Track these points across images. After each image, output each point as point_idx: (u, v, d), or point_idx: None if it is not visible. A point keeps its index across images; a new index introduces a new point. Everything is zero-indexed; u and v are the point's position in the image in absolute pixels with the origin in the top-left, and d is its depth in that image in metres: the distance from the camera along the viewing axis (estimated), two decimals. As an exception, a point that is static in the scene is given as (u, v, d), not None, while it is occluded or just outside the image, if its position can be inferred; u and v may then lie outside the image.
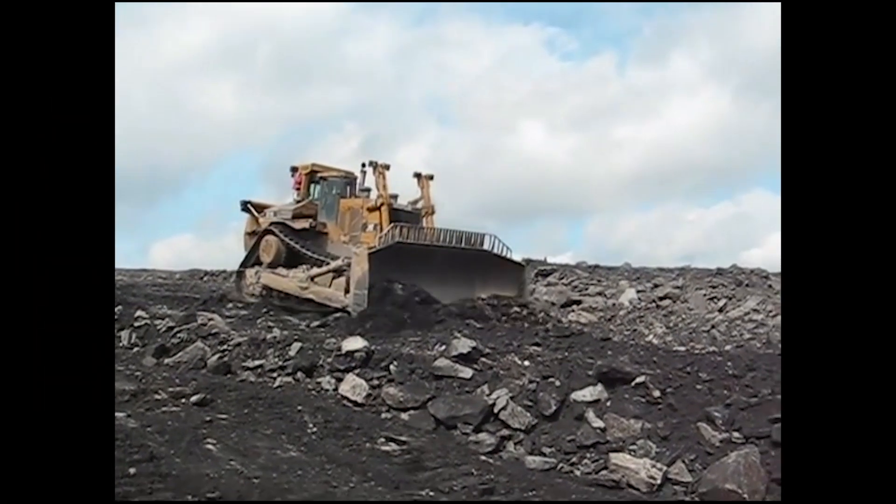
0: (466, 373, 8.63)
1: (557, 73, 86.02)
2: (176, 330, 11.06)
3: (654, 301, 16.99)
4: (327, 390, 8.67)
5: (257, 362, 9.55)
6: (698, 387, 8.22)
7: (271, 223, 16.17)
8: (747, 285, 17.44)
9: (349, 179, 16.38)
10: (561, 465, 7.13)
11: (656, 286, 18.08)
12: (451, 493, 5.72)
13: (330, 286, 13.69)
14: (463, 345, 9.17)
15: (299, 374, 9.06)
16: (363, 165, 15.64)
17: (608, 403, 7.92)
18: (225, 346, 10.16)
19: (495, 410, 7.81)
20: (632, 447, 7.17)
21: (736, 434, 7.15)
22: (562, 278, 19.40)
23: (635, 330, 15.04)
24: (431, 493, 5.65)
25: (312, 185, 16.71)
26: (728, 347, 12.95)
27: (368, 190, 15.57)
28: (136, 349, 10.84)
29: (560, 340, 10.75)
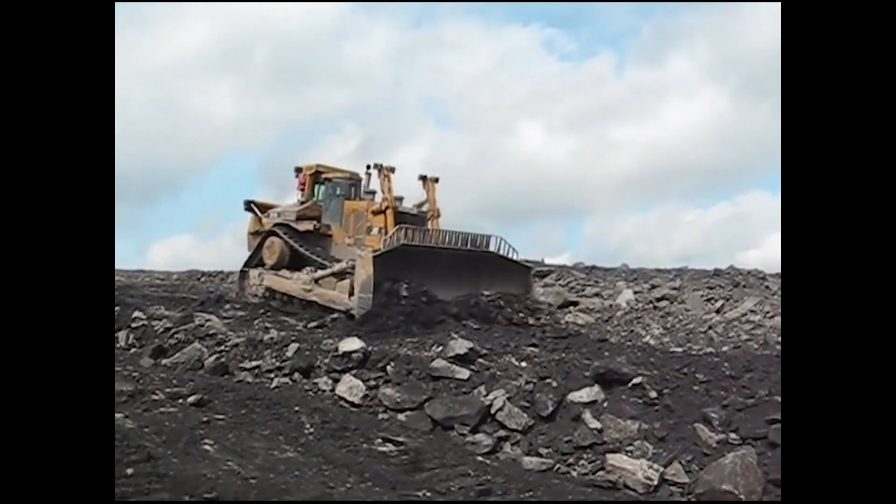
0: (463, 374, 8.65)
1: (556, 74, 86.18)
2: (173, 331, 11.05)
3: (651, 302, 16.99)
4: (324, 391, 8.68)
5: (255, 363, 9.55)
6: (695, 388, 8.24)
7: (275, 224, 15.98)
8: (744, 286, 17.44)
9: (354, 181, 16.12)
10: (558, 465, 7.14)
11: (654, 287, 18.08)
12: (448, 494, 5.73)
13: (334, 289, 13.56)
14: (460, 346, 9.19)
15: (296, 375, 9.07)
16: (368, 168, 15.42)
17: (605, 404, 7.93)
18: (222, 347, 10.16)
19: (492, 411, 7.83)
20: (629, 448, 7.18)
21: (733, 435, 7.16)
22: (559, 279, 19.39)
23: (632, 331, 15.03)
24: (428, 494, 5.65)
25: (317, 186, 16.47)
26: (725, 348, 12.95)
27: (373, 192, 15.33)
28: (133, 350, 10.84)
29: (557, 341, 10.76)
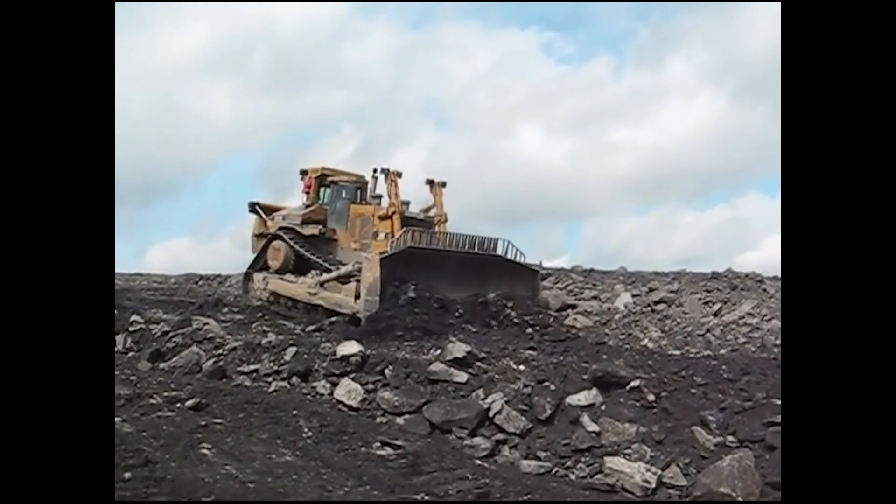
0: (461, 377, 8.64)
1: (554, 76, 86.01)
2: (171, 334, 11.03)
3: (649, 305, 16.97)
4: (322, 395, 8.67)
5: (252, 367, 9.54)
6: (693, 391, 8.25)
7: (280, 227, 15.87)
8: (742, 289, 17.45)
9: (360, 184, 15.92)
10: (556, 469, 7.15)
11: (651, 290, 18.07)
12: (447, 497, 5.73)
13: (340, 292, 13.45)
14: (458, 349, 9.19)
15: (294, 379, 9.06)
16: (374, 171, 15.22)
17: (603, 407, 7.94)
18: (220, 351, 10.14)
19: (490, 415, 7.83)
20: (626, 451, 7.19)
21: (730, 438, 7.19)
22: (557, 282, 19.37)
23: (630, 334, 15.01)
24: (427, 498, 5.66)
25: (322, 189, 16.35)
26: (723, 351, 12.94)
27: (380, 197, 15.17)
28: (131, 353, 10.82)
29: (555, 345, 10.78)
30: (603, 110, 79.33)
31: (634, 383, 8.21)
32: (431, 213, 15.12)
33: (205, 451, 5.99)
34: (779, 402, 7.30)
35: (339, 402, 8.44)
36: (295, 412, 7.55)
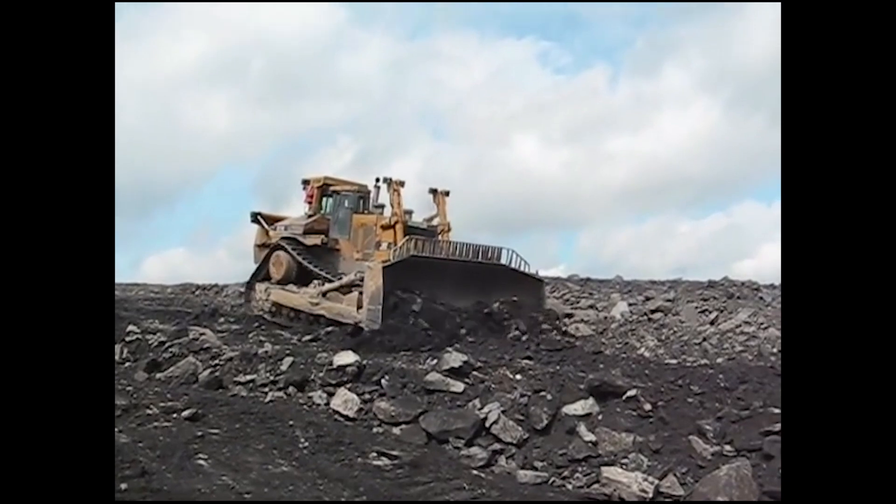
0: (458, 387, 8.63)
1: (550, 86, 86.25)
2: (168, 344, 11.01)
3: (645, 314, 17.00)
4: (319, 405, 8.66)
5: (249, 377, 9.52)
6: (690, 400, 8.25)
7: (282, 238, 15.76)
8: (739, 298, 17.48)
9: (362, 193, 15.85)
10: (553, 479, 7.13)
11: (648, 299, 18.11)
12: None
13: (342, 302, 13.35)
14: (454, 359, 9.18)
15: (291, 389, 9.05)
16: (377, 181, 15.14)
17: (600, 417, 7.93)
18: (217, 361, 10.13)
19: (487, 424, 7.81)
20: (623, 461, 7.18)
21: (727, 447, 7.17)
22: (553, 292, 19.39)
23: (627, 343, 15.03)
24: (422, 507, 5.65)
25: (324, 199, 16.26)
26: (720, 360, 12.96)
27: (382, 206, 15.12)
28: (127, 364, 10.79)
29: (551, 354, 10.76)
30: (599, 119, 79.56)
31: (631, 393, 8.21)
32: (434, 223, 15.05)
33: (201, 461, 5.98)
34: (776, 410, 7.30)
35: (336, 412, 8.42)
36: (291, 422, 7.54)
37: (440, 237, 14.55)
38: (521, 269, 14.18)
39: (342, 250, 15.35)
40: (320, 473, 6.16)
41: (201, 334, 11.38)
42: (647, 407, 8.01)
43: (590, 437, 7.56)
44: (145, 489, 5.03)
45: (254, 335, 12.76)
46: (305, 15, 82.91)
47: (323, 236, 15.49)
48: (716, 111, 79.96)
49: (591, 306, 18.16)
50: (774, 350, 13.18)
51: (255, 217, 17.08)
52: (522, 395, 8.32)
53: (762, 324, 15.23)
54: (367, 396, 8.61)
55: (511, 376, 9.09)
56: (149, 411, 7.42)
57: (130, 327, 12.27)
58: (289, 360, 9.76)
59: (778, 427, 6.76)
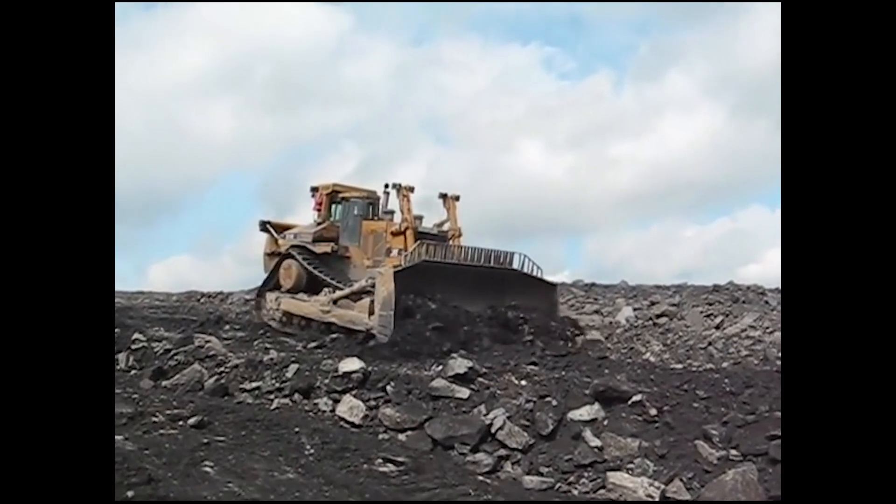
0: (463, 393, 8.64)
1: (555, 91, 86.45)
2: (173, 352, 11.03)
3: (650, 319, 17.01)
4: (324, 412, 8.68)
5: (254, 384, 9.55)
6: (695, 404, 8.22)
7: (291, 246, 15.62)
8: (744, 302, 17.49)
9: (372, 200, 15.73)
10: (559, 484, 7.12)
11: (653, 304, 18.12)
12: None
13: (354, 308, 13.20)
14: (459, 365, 9.19)
15: (296, 396, 9.07)
16: (386, 187, 15.04)
17: (605, 422, 7.92)
18: (222, 368, 10.15)
19: (492, 430, 7.81)
20: (629, 466, 7.16)
21: (733, 451, 7.15)
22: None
23: (632, 348, 15.03)
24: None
25: (334, 206, 16.13)
26: (725, 364, 12.95)
27: (392, 212, 15.02)
28: (133, 372, 10.81)
29: (556, 359, 10.74)
30: (603, 125, 79.71)
31: (637, 398, 8.19)
32: (445, 228, 14.97)
33: (207, 468, 5.99)
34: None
35: (341, 418, 8.44)
36: (297, 429, 7.54)
37: (451, 242, 14.46)
38: (534, 273, 14.08)
39: (352, 257, 15.21)
40: (326, 480, 6.17)
41: (207, 342, 11.39)
42: (653, 412, 8.00)
43: (595, 442, 7.55)
44: (152, 496, 5.03)
45: (259, 342, 12.78)
46: (310, 21, 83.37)
47: (333, 244, 15.35)
48: (720, 116, 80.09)
49: (596, 311, 18.17)
50: (780, 354, 13.14)
51: (265, 225, 17.00)
52: (528, 401, 8.32)
53: (767, 328, 15.22)
54: (372, 403, 8.62)
55: (516, 382, 9.09)
56: (155, 419, 7.43)
57: (136, 335, 12.28)
58: (294, 367, 9.78)
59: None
